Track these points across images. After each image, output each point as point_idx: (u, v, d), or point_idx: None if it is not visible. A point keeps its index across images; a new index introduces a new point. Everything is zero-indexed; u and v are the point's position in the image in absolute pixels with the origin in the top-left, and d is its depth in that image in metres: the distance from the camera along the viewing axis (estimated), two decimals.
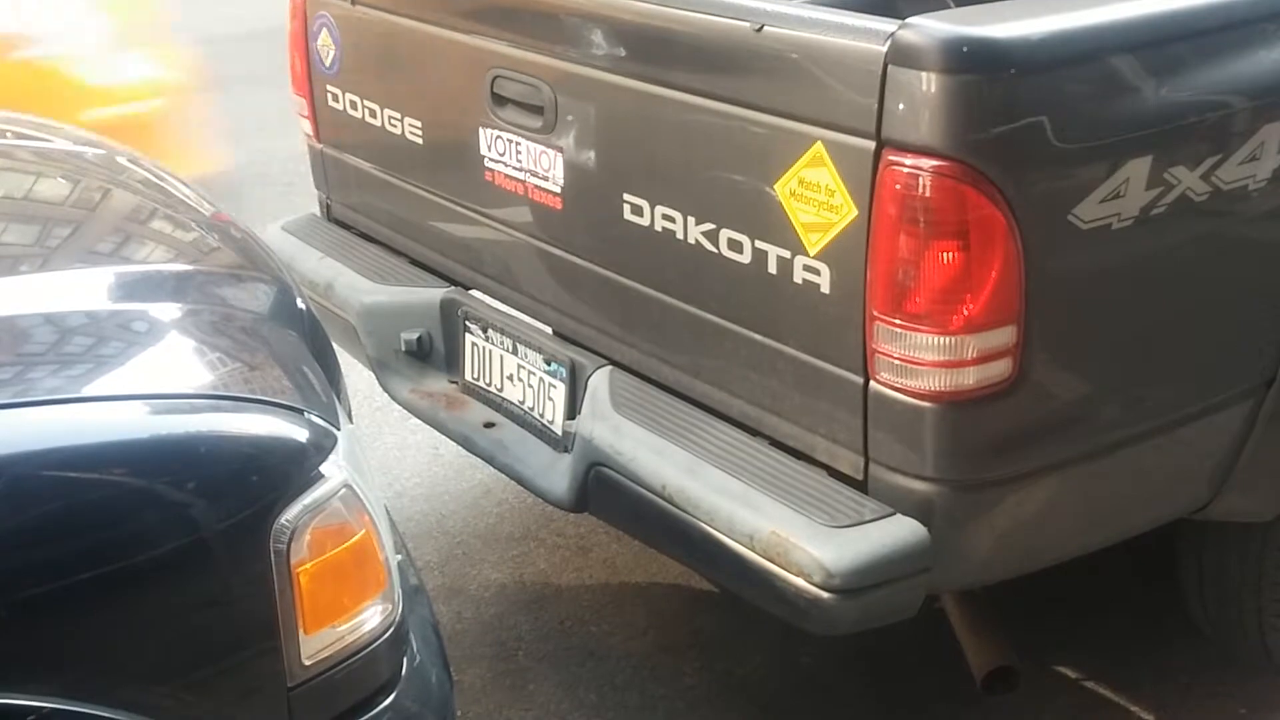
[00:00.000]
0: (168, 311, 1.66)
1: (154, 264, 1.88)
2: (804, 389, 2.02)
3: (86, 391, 1.49)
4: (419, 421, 2.74)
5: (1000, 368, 1.83)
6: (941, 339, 1.81)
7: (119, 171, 2.34)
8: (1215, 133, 1.92)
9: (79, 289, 1.70)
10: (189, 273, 1.84)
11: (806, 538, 1.85)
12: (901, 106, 1.76)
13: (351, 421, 1.78)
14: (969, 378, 1.82)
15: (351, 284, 2.76)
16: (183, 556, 1.35)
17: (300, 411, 1.49)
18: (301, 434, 1.46)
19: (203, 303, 1.72)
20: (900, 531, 1.87)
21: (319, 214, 3.16)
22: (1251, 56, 1.96)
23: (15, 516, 1.30)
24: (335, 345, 2.13)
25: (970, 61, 1.73)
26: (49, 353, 1.59)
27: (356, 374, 2.77)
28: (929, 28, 1.75)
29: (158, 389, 1.50)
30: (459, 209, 2.66)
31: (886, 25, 1.79)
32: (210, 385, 1.55)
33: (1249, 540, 2.32)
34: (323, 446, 1.47)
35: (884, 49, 1.77)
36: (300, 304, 1.88)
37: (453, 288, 2.70)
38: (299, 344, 1.72)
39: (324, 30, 2.91)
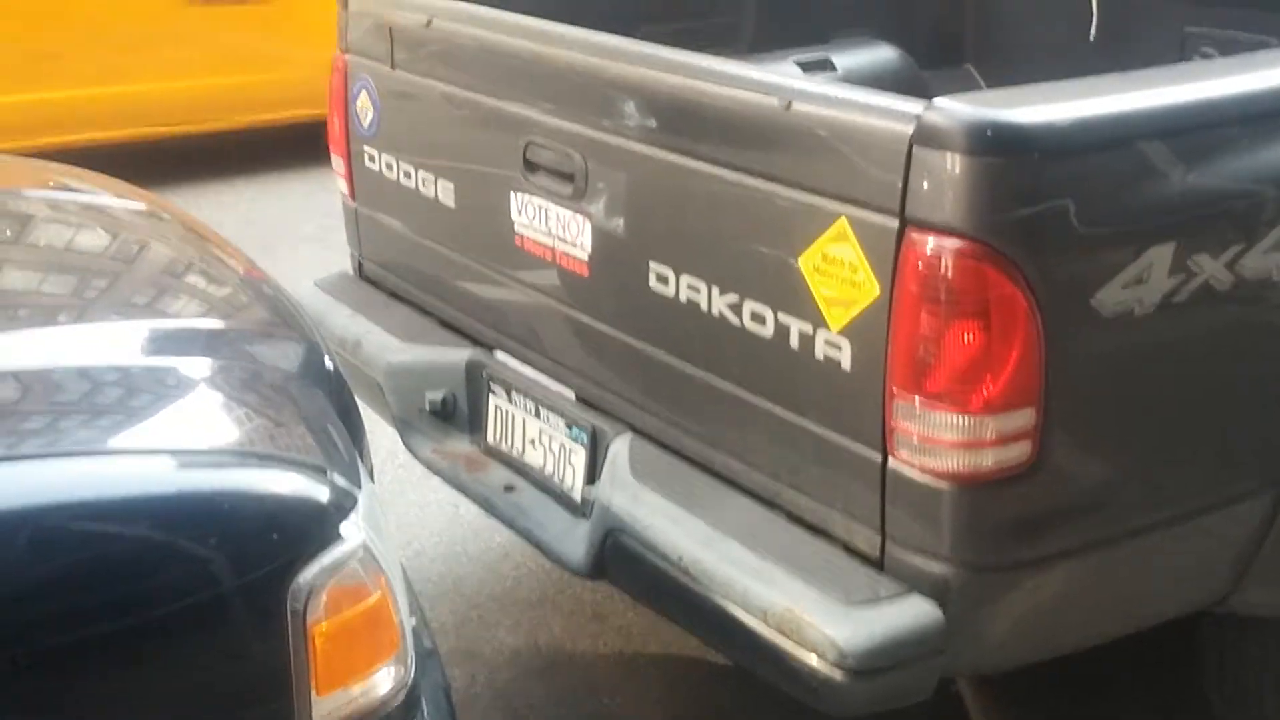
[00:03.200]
0: (198, 367, 1.70)
1: (186, 319, 1.93)
2: (823, 464, 2.03)
3: (114, 444, 1.53)
4: (440, 481, 2.77)
5: (1019, 450, 1.84)
6: (961, 419, 1.82)
7: (157, 225, 2.40)
8: (1239, 222, 1.94)
9: (111, 342, 1.75)
10: (220, 329, 1.89)
11: (821, 615, 1.86)
12: (926, 186, 1.79)
13: (373, 480, 1.81)
14: (988, 459, 1.84)
15: (379, 342, 2.81)
16: (201, 612, 1.38)
17: (323, 470, 1.52)
18: (323, 493, 1.49)
19: (232, 359, 1.76)
20: (916, 612, 1.87)
21: (351, 272, 3.21)
22: (1276, 146, 1.99)
23: (38, 567, 1.34)
24: (361, 402, 2.16)
25: (994, 144, 1.76)
26: (79, 405, 1.63)
27: (381, 430, 2.80)
28: (954, 110, 1.79)
29: (184, 444, 1.53)
30: (488, 271, 2.71)
31: (913, 106, 1.83)
32: (236, 441, 1.59)
33: (1271, 634, 2.31)
34: (343, 506, 1.50)
35: (910, 129, 1.80)
36: (328, 363, 1.92)
37: (478, 349, 2.74)
38: (325, 402, 1.75)
39: (363, 92, 2.97)
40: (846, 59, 3.71)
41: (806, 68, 3.63)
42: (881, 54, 3.76)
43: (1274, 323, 2.05)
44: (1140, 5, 3.45)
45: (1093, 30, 3.55)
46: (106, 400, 1.65)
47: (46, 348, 1.71)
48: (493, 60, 2.60)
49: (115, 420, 1.60)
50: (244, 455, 1.54)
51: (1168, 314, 1.89)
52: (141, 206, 2.46)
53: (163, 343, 1.79)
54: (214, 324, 1.93)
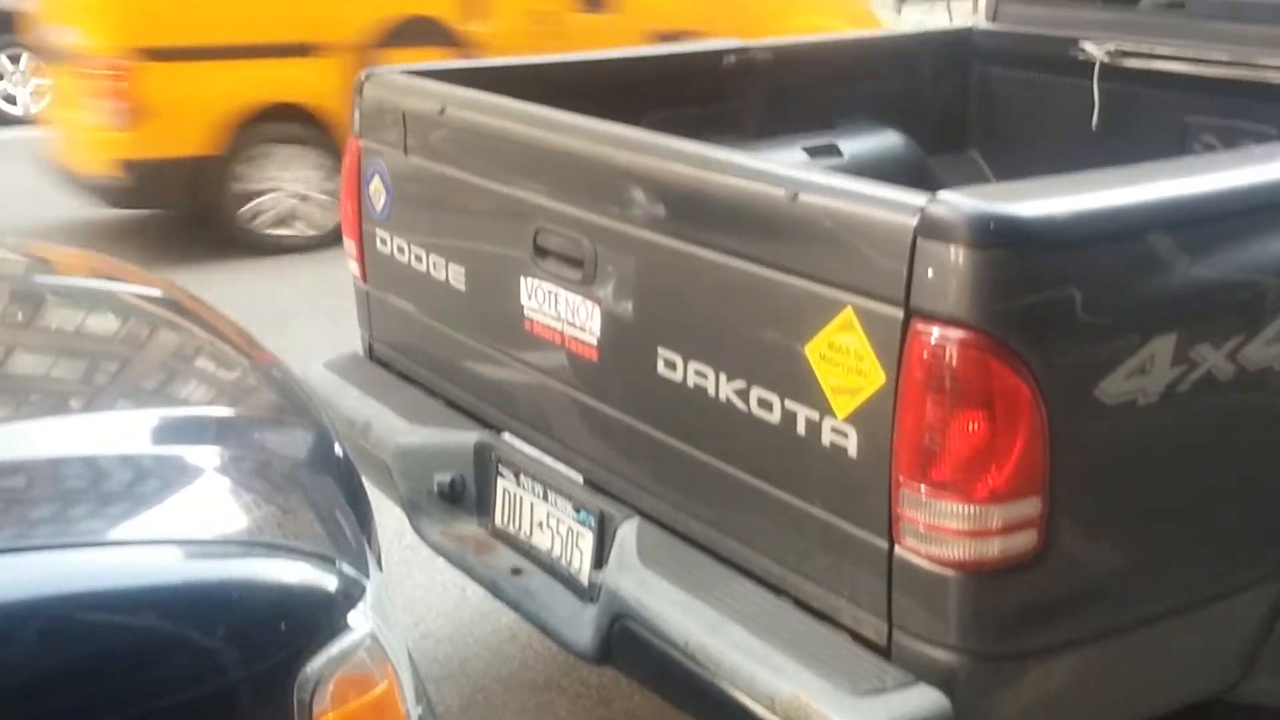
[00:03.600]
0: (206, 455, 1.72)
1: (196, 406, 1.95)
2: (829, 551, 2.04)
3: (121, 535, 1.54)
4: (448, 562, 2.77)
5: (1025, 539, 1.85)
6: (966, 508, 1.83)
7: (167, 309, 2.43)
8: (1240, 313, 1.96)
9: (120, 431, 1.77)
10: (229, 416, 1.90)
11: (828, 703, 1.85)
12: (930, 277, 1.81)
13: (380, 567, 1.81)
14: (993, 548, 1.84)
15: (389, 424, 2.82)
16: (208, 703, 1.38)
17: (331, 560, 1.53)
18: (331, 583, 1.50)
19: (242, 448, 1.78)
20: (922, 701, 1.86)
21: (361, 353, 3.23)
22: (1265, 242, 2.01)
23: (48, 658, 1.34)
24: (369, 483, 2.17)
25: (997, 237, 1.79)
26: (87, 495, 1.65)
27: (388, 510, 2.81)
28: (958, 203, 1.82)
29: (192, 534, 1.55)
30: (497, 354, 2.73)
31: (917, 198, 1.86)
32: (245, 531, 1.60)
33: None
34: (351, 596, 1.51)
35: (914, 221, 1.83)
36: (338, 449, 1.94)
37: (487, 432, 2.75)
38: (334, 490, 1.77)
39: (376, 177, 3.02)
40: (852, 144, 3.77)
41: (813, 153, 3.69)
42: (887, 140, 3.82)
43: (1275, 411, 2.06)
44: (1141, 95, 3.50)
45: (1094, 118, 3.60)
46: (114, 490, 1.66)
47: (54, 436, 1.72)
48: (504, 147, 2.64)
49: (123, 510, 1.61)
50: (252, 545, 1.55)
51: (1171, 403, 1.90)
52: (151, 291, 2.49)
53: (172, 431, 1.81)
54: (223, 411, 1.95)
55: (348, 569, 1.53)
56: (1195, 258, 1.94)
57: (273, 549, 1.55)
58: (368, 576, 1.56)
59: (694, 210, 2.21)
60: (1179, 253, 1.92)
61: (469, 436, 2.74)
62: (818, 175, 2.09)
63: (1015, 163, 3.86)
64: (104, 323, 2.38)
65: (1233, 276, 1.97)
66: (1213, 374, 1.91)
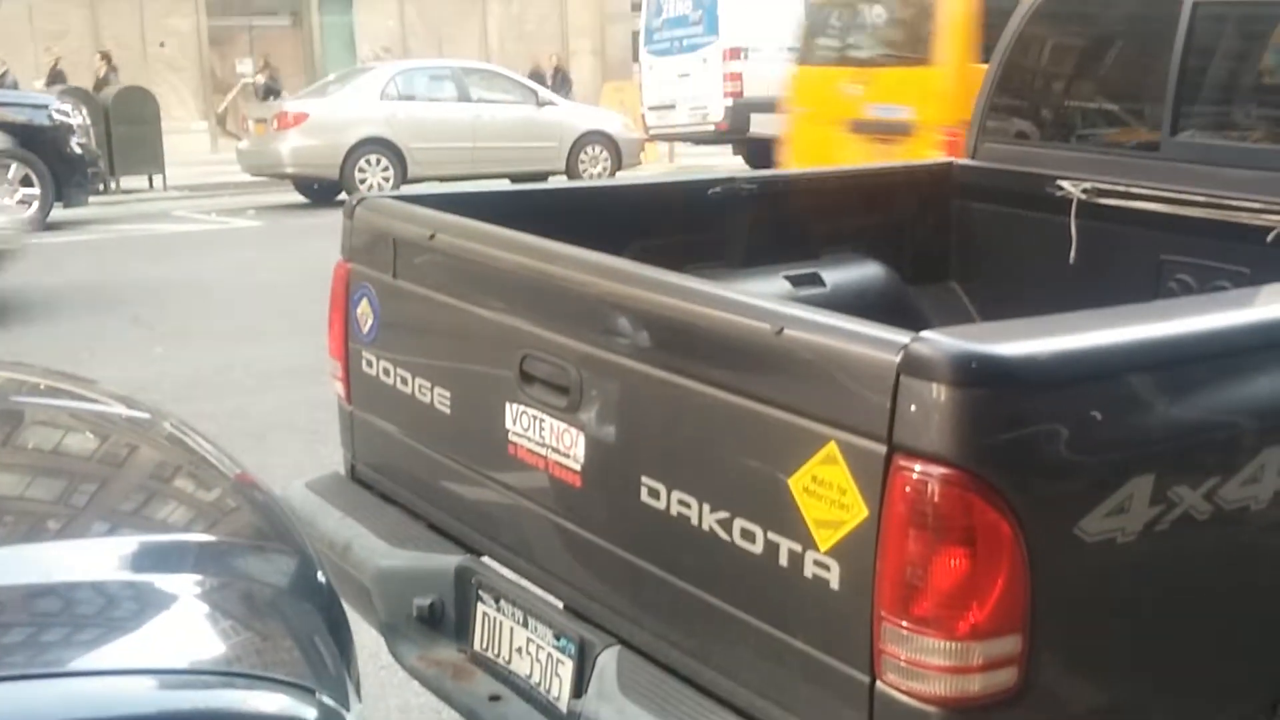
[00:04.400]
0: (185, 583, 1.71)
1: (174, 531, 1.95)
2: (810, 683, 2.03)
3: (96, 664, 1.52)
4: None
5: (1006, 676, 1.85)
6: (947, 644, 1.83)
7: (146, 430, 2.43)
8: (1217, 454, 1.99)
9: (97, 556, 1.76)
10: (209, 542, 1.90)
11: None
12: (913, 414, 1.84)
13: (360, 696, 1.80)
14: (974, 684, 1.84)
15: (369, 546, 2.81)
16: None
17: (311, 691, 1.52)
18: (310, 714, 1.49)
19: (221, 574, 1.77)
20: None
21: (343, 473, 3.23)
22: (1253, 381, 2.05)
23: None
24: (347, 605, 2.16)
25: (979, 376, 1.82)
26: (60, 622, 1.63)
27: (364, 631, 2.78)
28: (940, 342, 1.85)
29: (170, 663, 1.53)
30: (480, 478, 2.74)
31: (900, 336, 1.89)
32: (223, 660, 1.59)
33: None
34: None
35: (897, 359, 1.86)
36: (319, 576, 1.93)
37: (468, 555, 2.75)
38: (315, 617, 1.76)
39: (364, 299, 3.05)
40: (835, 275, 3.84)
41: (797, 283, 3.75)
42: (869, 271, 3.90)
43: (1252, 552, 2.08)
44: (1117, 233, 3.58)
45: (1071, 254, 3.68)
46: (89, 618, 1.64)
47: (29, 561, 1.71)
48: (492, 274, 2.68)
49: (98, 638, 1.59)
50: (230, 674, 1.54)
51: (1149, 542, 1.91)
52: (132, 411, 2.50)
53: (149, 557, 1.80)
54: (202, 536, 1.94)
55: (327, 700, 1.52)
56: (1173, 399, 1.97)
57: (251, 679, 1.54)
58: (347, 708, 1.55)
59: (679, 341, 2.24)
60: (1157, 394, 1.96)
61: (450, 560, 2.73)
62: (802, 310, 2.12)
63: (994, 295, 3.94)
64: (82, 443, 2.37)
65: (1209, 418, 2.00)
66: (1190, 514, 1.93)
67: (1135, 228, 3.53)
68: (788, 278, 3.77)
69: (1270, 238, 3.18)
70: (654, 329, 2.28)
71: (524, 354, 2.54)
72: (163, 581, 1.71)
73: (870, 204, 4.12)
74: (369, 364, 3.06)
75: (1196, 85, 3.56)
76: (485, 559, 2.75)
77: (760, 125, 15.94)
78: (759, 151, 16.33)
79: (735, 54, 15.40)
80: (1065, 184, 3.70)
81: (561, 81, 21.10)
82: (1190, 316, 2.15)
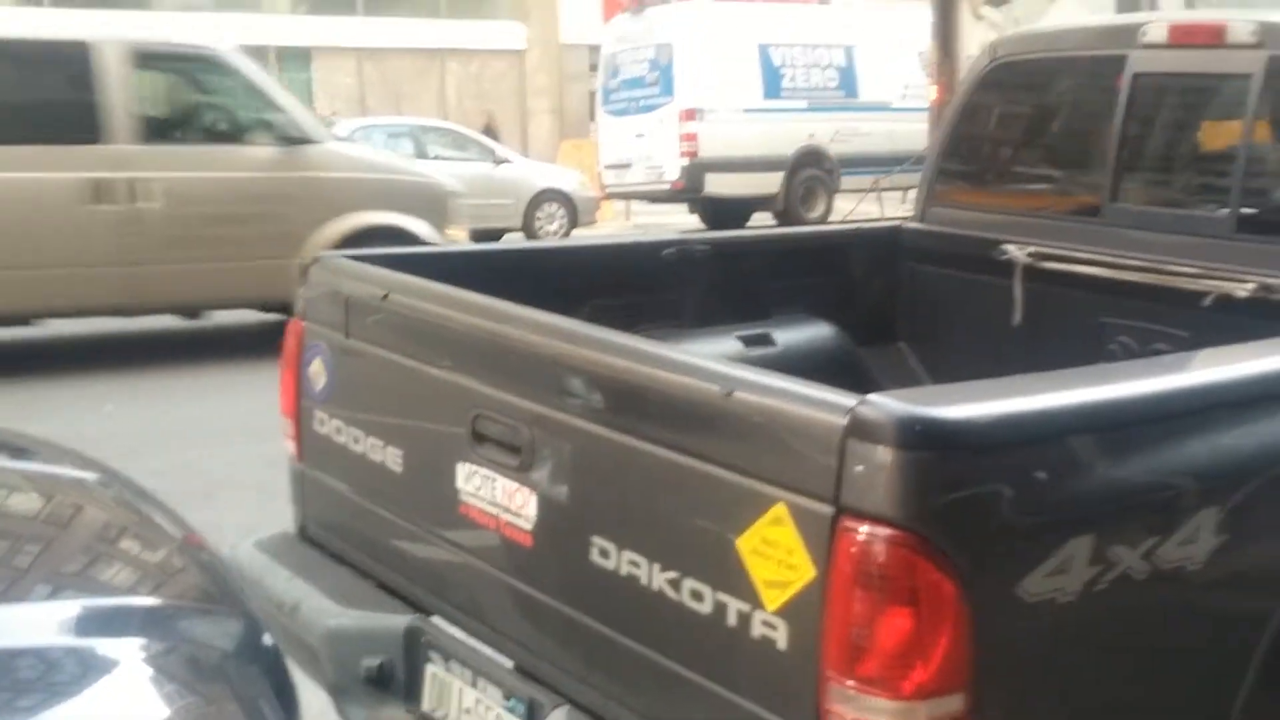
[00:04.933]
0: (129, 648, 1.69)
1: (118, 594, 1.93)
2: None
3: None
4: None
5: None
6: (893, 704, 1.85)
7: (92, 490, 2.41)
8: (1155, 515, 2.03)
9: (40, 621, 1.73)
10: (154, 606, 1.88)
11: None
12: (859, 476, 1.87)
13: None
14: None
15: (318, 606, 2.80)
16: None
17: None
18: None
19: (166, 639, 1.76)
20: None
21: (293, 531, 3.22)
22: (1189, 443, 2.10)
23: None
24: (294, 667, 2.15)
25: (923, 439, 1.85)
26: (2, 688, 1.60)
27: (312, 692, 2.76)
28: (886, 405, 1.89)
29: None
30: (431, 537, 2.74)
31: (847, 399, 1.93)
32: None
33: None
34: None
35: (844, 422, 1.89)
36: (266, 640, 1.93)
37: (418, 615, 2.74)
38: (261, 681, 1.75)
39: (317, 358, 3.06)
40: (786, 335, 3.88)
41: (748, 343, 3.79)
42: (819, 331, 3.94)
43: (1189, 610, 2.11)
44: (1060, 295, 3.65)
45: (1016, 316, 3.75)
46: (30, 683, 1.61)
47: None
48: (445, 334, 2.70)
49: (38, 704, 1.57)
50: None
51: (1089, 602, 1.95)
52: (80, 471, 2.48)
53: (93, 621, 1.77)
54: (148, 600, 1.93)
55: None
56: (1111, 461, 2.02)
57: None
58: None
59: (630, 402, 2.26)
60: (1096, 456, 2.00)
61: (399, 620, 2.72)
62: (751, 372, 2.15)
63: (941, 356, 4.00)
64: (26, 503, 2.35)
65: (1148, 480, 2.04)
66: (1129, 574, 1.97)
67: (1078, 291, 3.60)
68: (740, 338, 3.80)
69: (1206, 302, 3.26)
70: (604, 390, 2.30)
71: (476, 414, 2.56)
72: (106, 646, 1.70)
73: (821, 265, 4.18)
74: (321, 422, 3.06)
75: (1136, 153, 3.66)
76: (435, 619, 2.74)
77: (716, 184, 16.06)
78: (715, 210, 16.45)
79: (691, 115, 15.56)
80: (1010, 247, 3.77)
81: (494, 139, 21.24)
82: (1128, 381, 2.20)
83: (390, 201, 8.92)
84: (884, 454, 1.85)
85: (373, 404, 2.95)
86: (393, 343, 2.85)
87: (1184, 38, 3.53)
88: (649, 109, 16.29)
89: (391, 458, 2.83)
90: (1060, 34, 4.10)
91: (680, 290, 3.87)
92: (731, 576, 2.04)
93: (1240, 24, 3.39)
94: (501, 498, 2.50)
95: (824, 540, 1.90)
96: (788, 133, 16.03)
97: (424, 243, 8.60)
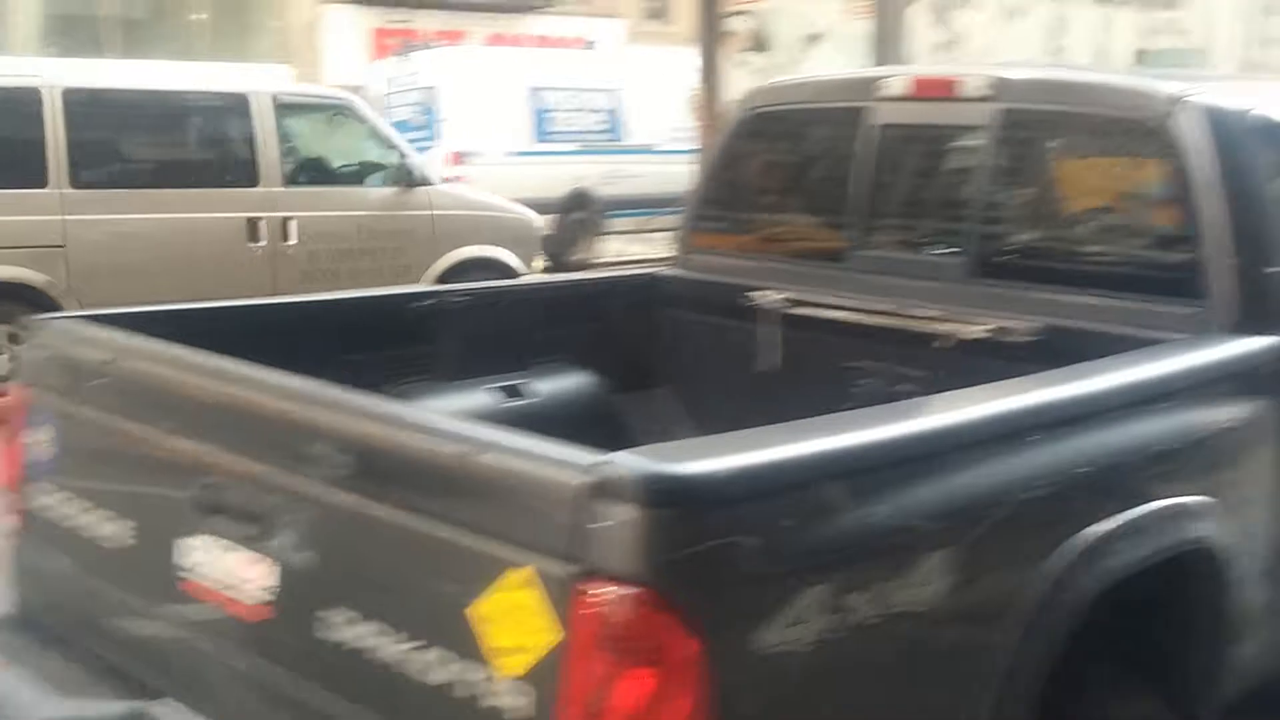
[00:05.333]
0: None
1: None
2: None
3: None
4: None
5: None
6: None
7: None
8: (888, 560, 2.08)
9: None
10: None
11: None
12: (599, 535, 1.85)
13: None
14: None
15: (28, 700, 2.60)
16: None
17: None
18: None
19: None
20: None
21: (13, 613, 3.00)
22: (919, 488, 2.16)
23: None
24: None
25: (662, 496, 1.85)
26: None
27: None
28: (625, 462, 1.88)
29: None
30: (163, 613, 2.58)
31: (586, 458, 1.91)
32: None
33: None
34: None
35: (583, 480, 1.87)
36: None
37: (144, 698, 2.57)
38: None
39: (44, 426, 2.87)
40: (545, 385, 3.87)
41: (507, 394, 3.76)
42: (578, 380, 3.94)
43: (926, 650, 2.17)
44: (810, 340, 3.74)
45: (770, 360, 3.83)
46: None
47: None
48: (175, 400, 2.57)
49: None
50: None
51: (826, 651, 1.98)
52: None
53: None
54: None
55: None
56: (847, 510, 2.05)
57: None
58: None
59: (369, 466, 2.19)
60: (833, 505, 2.04)
61: (117, 708, 2.55)
62: (492, 433, 2.12)
63: (700, 400, 4.05)
64: None
65: (881, 525, 2.09)
66: (864, 620, 2.01)
67: (827, 335, 3.70)
68: (498, 389, 3.77)
69: (947, 344, 3.39)
70: (343, 454, 2.23)
71: (208, 482, 2.45)
72: None
73: (581, 314, 4.18)
74: (46, 494, 2.87)
75: (881, 201, 3.78)
76: (167, 700, 2.58)
77: None
78: None
79: (458, 158, 15.50)
80: (763, 294, 3.85)
81: None
82: (863, 429, 2.25)
83: (489, 236, 9.99)
84: (623, 512, 1.84)
85: (102, 474, 2.78)
86: (121, 409, 2.69)
87: (923, 91, 3.69)
88: (420, 151, 16.19)
89: (121, 531, 2.67)
90: (810, 86, 4.22)
91: (437, 343, 3.80)
92: (473, 643, 2.00)
93: (973, 78, 3.57)
94: (238, 569, 2.38)
95: (564, 602, 1.88)
96: (557, 175, 16.08)
97: (515, 273, 9.74)
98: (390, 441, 2.16)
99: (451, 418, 2.34)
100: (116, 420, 2.69)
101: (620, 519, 1.84)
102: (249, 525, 2.35)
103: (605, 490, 1.85)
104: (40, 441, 2.88)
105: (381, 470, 2.17)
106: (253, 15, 23.10)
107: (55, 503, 2.84)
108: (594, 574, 1.85)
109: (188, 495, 2.47)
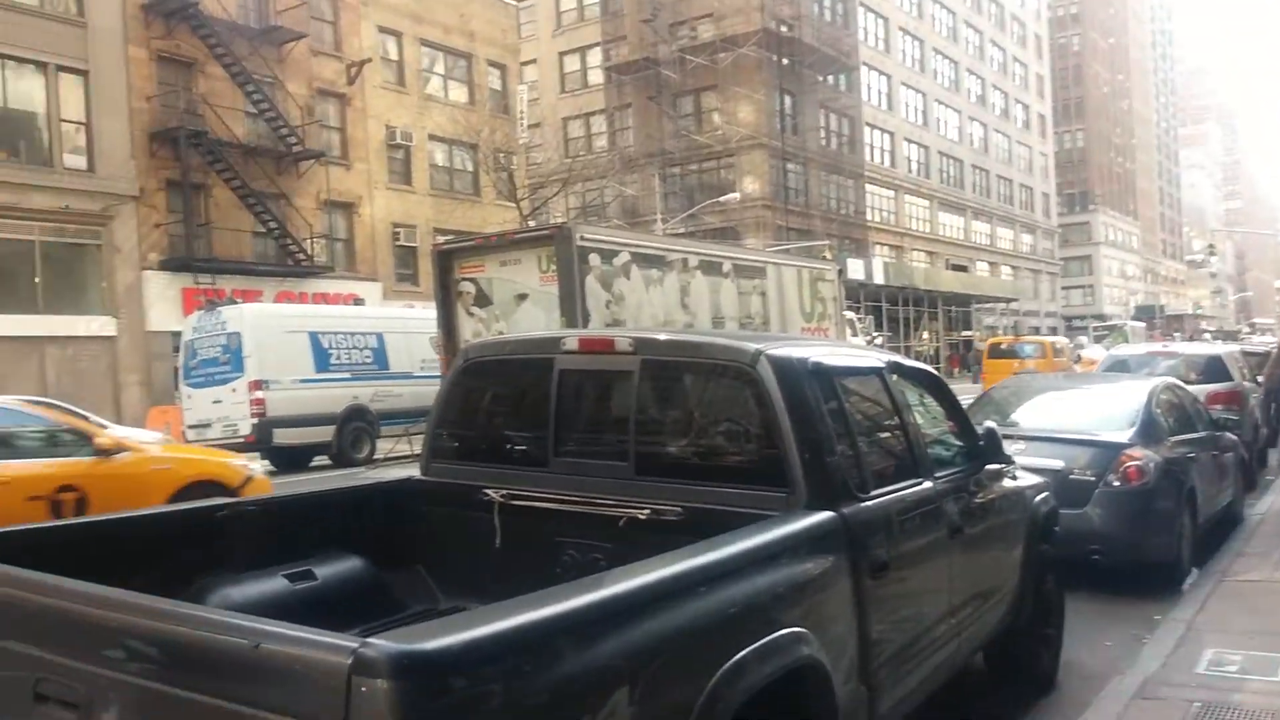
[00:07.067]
0: None
1: None
2: None
3: None
4: None
5: None
6: None
7: None
8: (588, 701, 2.05)
9: None
10: None
11: None
12: (363, 707, 1.77)
13: None
14: None
15: None
16: None
17: None
18: None
19: None
20: None
21: None
22: (601, 644, 2.14)
23: None
24: None
25: (410, 669, 1.79)
26: None
27: None
28: (379, 645, 1.81)
29: None
30: None
31: (350, 642, 1.83)
32: None
33: None
34: None
35: (349, 661, 1.79)
36: None
37: None
38: None
39: None
40: (325, 570, 3.66)
41: (293, 579, 3.53)
42: (351, 564, 3.76)
43: None
44: (527, 525, 3.74)
45: (498, 540, 3.79)
46: None
47: None
48: (6, 608, 2.29)
49: None
50: None
51: None
52: None
53: None
54: None
55: None
56: (566, 660, 2.03)
57: None
58: None
59: (173, 658, 2.01)
60: (540, 664, 2.00)
61: None
62: (275, 625, 1.99)
63: (449, 573, 3.93)
64: None
65: (580, 673, 2.06)
66: None
67: (539, 520, 3.70)
68: (286, 575, 3.54)
69: (622, 524, 3.46)
70: (148, 647, 2.04)
71: (39, 677, 2.17)
72: None
73: (351, 513, 4.03)
74: None
75: (568, 423, 3.87)
76: None
77: (282, 436, 15.37)
78: (282, 456, 15.73)
79: (258, 385, 14.94)
80: (489, 491, 3.83)
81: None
82: (564, 601, 2.21)
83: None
84: (381, 685, 1.76)
85: None
86: None
87: (588, 346, 3.85)
88: (224, 382, 15.41)
89: None
90: (510, 343, 4.34)
91: (236, 542, 3.57)
92: None
93: (622, 337, 3.75)
94: None
95: None
96: (337, 396, 15.83)
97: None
98: (190, 637, 2.00)
99: (237, 614, 2.18)
100: None
101: (380, 690, 1.76)
102: (73, 712, 2.09)
103: (366, 668, 1.77)
104: None
105: (185, 661, 2.00)
106: (85, 276, 21.71)
107: None
108: None
109: (20, 689, 2.18)
